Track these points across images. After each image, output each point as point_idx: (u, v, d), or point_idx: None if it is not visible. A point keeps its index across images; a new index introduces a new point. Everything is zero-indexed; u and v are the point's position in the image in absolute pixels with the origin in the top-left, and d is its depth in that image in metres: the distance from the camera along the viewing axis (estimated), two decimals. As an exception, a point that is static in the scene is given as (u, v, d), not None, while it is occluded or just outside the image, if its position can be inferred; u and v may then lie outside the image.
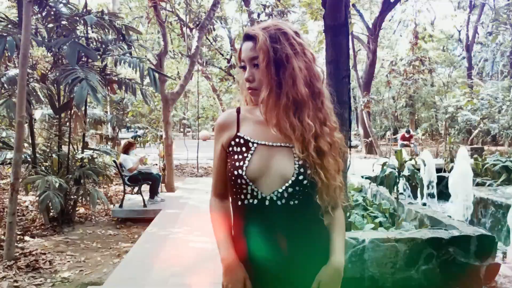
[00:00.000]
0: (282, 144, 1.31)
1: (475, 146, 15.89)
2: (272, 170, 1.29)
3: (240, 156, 1.32)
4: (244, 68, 1.34)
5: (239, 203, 1.33)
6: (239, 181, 1.29)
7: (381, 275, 3.63)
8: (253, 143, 1.33)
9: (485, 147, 16.36)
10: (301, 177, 1.27)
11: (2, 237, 5.65)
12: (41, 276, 4.47)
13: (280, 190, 1.27)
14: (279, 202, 1.28)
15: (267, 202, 1.28)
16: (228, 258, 1.32)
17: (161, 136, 13.14)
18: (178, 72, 21.15)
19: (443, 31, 29.62)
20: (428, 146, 20.60)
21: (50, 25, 6.32)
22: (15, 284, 4.25)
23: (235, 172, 1.30)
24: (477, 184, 6.75)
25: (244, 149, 1.33)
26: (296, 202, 1.28)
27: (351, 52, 19.05)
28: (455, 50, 30.63)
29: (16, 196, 4.75)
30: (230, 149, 1.36)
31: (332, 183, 1.29)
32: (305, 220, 1.32)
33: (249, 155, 1.31)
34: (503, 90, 16.76)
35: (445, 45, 28.91)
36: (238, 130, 1.37)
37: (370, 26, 17.00)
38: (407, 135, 15.29)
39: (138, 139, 14.35)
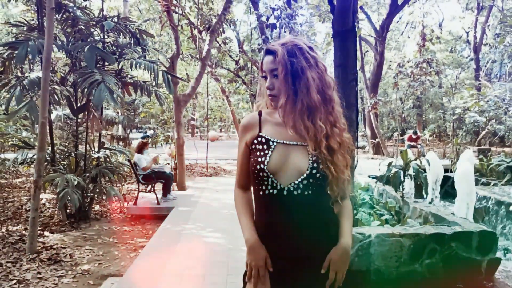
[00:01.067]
0: (298, 143, 1.52)
1: (482, 147, 15.95)
2: (289, 165, 1.50)
3: (262, 153, 1.53)
4: (265, 78, 1.56)
5: (261, 193, 1.54)
6: (261, 174, 1.51)
7: (386, 268, 3.81)
8: (273, 141, 1.54)
9: (493, 148, 16.42)
10: (314, 171, 1.48)
11: (23, 232, 5.94)
12: (63, 269, 4.71)
13: (296, 182, 1.48)
14: (295, 192, 1.48)
15: (285, 192, 1.49)
16: (251, 240, 1.53)
17: (170, 136, 13.43)
18: (186, 73, 21.45)
19: (451, 32, 29.64)
20: (436, 147, 20.68)
21: (68, 30, 6.58)
22: (39, 275, 4.48)
23: (258, 166, 1.51)
24: (482, 184, 6.90)
25: (265, 147, 1.54)
26: (310, 192, 1.49)
27: (358, 54, 19.21)
28: (464, 51, 30.61)
29: (39, 193, 5.00)
30: (253, 146, 1.57)
31: (341, 176, 1.50)
32: (317, 208, 1.52)
33: (270, 152, 1.52)
34: (511, 91, 16.81)
35: (453, 47, 28.91)
36: (260, 131, 1.58)
37: (378, 28, 17.12)
38: (414, 136, 15.39)
39: (148, 139, 14.65)
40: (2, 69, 6.48)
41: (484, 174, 7.41)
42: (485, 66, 24.37)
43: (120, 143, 13.04)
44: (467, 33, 25.85)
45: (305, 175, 1.48)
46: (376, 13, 25.99)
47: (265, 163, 1.50)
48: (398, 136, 19.32)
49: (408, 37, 25.36)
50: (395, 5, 16.33)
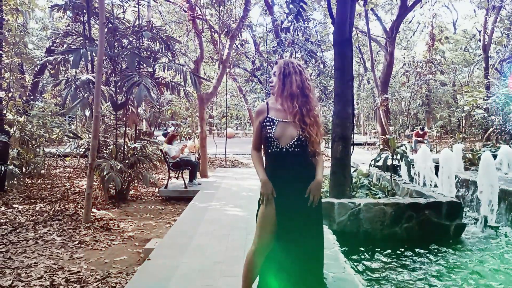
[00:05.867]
0: (291, 120, 2.55)
1: (488, 142, 16.63)
2: (286, 133, 2.53)
3: (270, 127, 2.56)
4: None
5: (269, 151, 2.58)
6: (269, 139, 2.54)
7: (372, 230, 4.80)
8: (276, 120, 2.57)
9: (503, 145, 17.00)
10: (300, 136, 2.51)
11: (76, 208, 7.10)
12: (113, 234, 5.81)
13: (290, 143, 2.51)
14: (290, 150, 2.52)
15: (284, 150, 2.52)
16: (263, 178, 2.56)
17: (189, 132, 14.55)
18: (204, 72, 22.58)
19: (466, 31, 30.08)
20: (446, 143, 21.35)
21: (110, 39, 7.71)
22: (95, 239, 5.60)
23: (268, 135, 2.54)
24: (472, 171, 7.80)
25: (271, 123, 2.57)
26: (298, 149, 2.52)
27: (368, 54, 20.02)
28: (478, 49, 30.98)
29: (93, 173, 6.14)
30: (264, 123, 2.60)
31: (314, 140, 2.52)
32: (303, 160, 2.55)
33: (275, 126, 2.55)
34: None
35: (467, 45, 29.34)
36: (268, 114, 2.61)
37: (388, 29, 17.92)
38: (421, 132, 16.19)
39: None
40: (53, 71, 7.66)
41: (474, 163, 8.29)
42: (499, 64, 24.78)
43: (146, 138, 14.22)
44: (479, 32, 26.28)
45: (295, 139, 2.51)
46: (389, 14, 26.70)
47: (272, 133, 2.54)
48: (409, 131, 20.06)
49: (421, 33, 25.96)
50: (404, 7, 17.10)
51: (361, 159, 11.39)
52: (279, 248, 2.56)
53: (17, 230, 5.83)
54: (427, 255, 4.62)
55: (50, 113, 11.08)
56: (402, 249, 4.69)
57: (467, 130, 20.57)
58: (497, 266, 4.39)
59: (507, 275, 4.14)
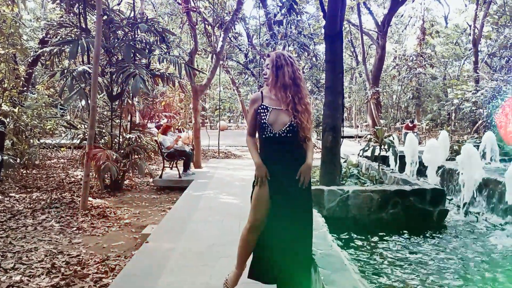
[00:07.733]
0: (283, 108, 2.74)
1: (476, 135, 17.01)
2: (279, 120, 2.71)
3: (264, 114, 2.74)
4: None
5: (263, 136, 2.76)
6: (264, 125, 2.72)
7: (360, 216, 5.02)
8: (270, 108, 2.75)
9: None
10: (292, 123, 2.69)
11: (72, 197, 7.25)
12: (109, 221, 5.99)
13: (283, 129, 2.70)
14: (282, 135, 2.70)
15: (277, 135, 2.71)
16: (258, 161, 2.75)
17: (183, 123, 14.68)
18: (198, 65, 22.64)
19: (457, 25, 30.39)
20: (434, 136, 21.72)
21: (106, 30, 7.81)
22: (92, 225, 5.76)
23: (262, 121, 2.73)
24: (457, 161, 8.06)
25: (265, 111, 2.75)
26: (290, 135, 2.71)
27: (360, 47, 20.24)
28: (469, 43, 31.32)
29: (89, 162, 6.29)
30: (259, 111, 2.78)
31: (305, 126, 2.71)
32: (294, 145, 2.74)
33: (268, 113, 2.73)
34: (507, 82, 17.75)
35: (458, 39, 29.67)
36: (262, 102, 2.79)
37: (380, 23, 18.13)
38: (410, 125, 16.54)
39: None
40: (48, 62, 7.75)
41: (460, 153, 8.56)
42: (490, 58, 25.12)
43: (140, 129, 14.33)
44: (470, 26, 26.59)
45: (287, 125, 2.70)
46: (381, 7, 26.91)
47: (266, 119, 2.72)
48: (399, 124, 20.38)
49: (413, 27, 26.15)
50: (396, 1, 17.30)
51: (352, 150, 11.63)
52: (272, 227, 2.76)
53: (16, 217, 5.98)
54: (411, 238, 4.86)
55: (44, 104, 11.14)
56: (387, 233, 4.91)
57: (456, 124, 20.93)
58: (477, 249, 4.64)
59: (486, 257, 4.39)
